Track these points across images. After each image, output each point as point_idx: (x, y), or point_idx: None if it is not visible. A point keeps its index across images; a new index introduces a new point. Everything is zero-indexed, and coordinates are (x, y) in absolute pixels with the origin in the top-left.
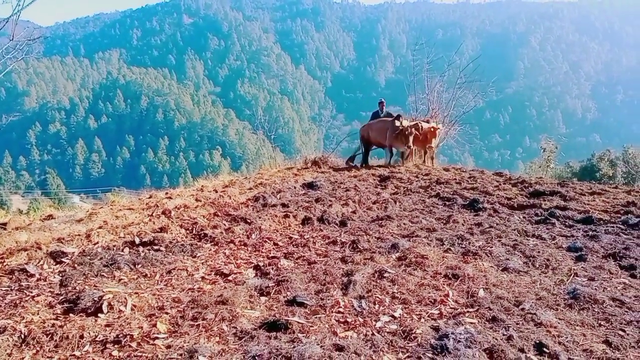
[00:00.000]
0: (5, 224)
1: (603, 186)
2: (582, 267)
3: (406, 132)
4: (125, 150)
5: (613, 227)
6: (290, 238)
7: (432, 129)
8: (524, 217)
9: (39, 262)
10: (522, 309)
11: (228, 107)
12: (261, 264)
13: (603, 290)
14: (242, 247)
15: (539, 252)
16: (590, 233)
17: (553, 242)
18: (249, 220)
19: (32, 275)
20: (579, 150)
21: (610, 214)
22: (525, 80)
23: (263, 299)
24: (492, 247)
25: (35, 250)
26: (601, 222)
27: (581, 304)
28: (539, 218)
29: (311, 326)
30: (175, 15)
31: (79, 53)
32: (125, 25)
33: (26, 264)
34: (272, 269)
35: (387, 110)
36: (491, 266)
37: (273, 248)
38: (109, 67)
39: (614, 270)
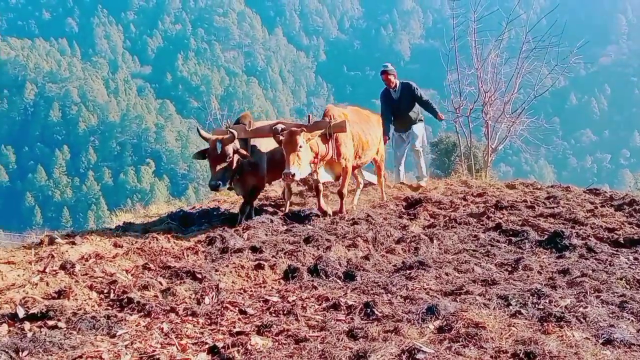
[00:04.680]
0: None
1: None
2: None
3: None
4: (1, 170)
5: None
6: (266, 302)
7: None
8: (635, 259)
9: None
10: None
11: (163, 97)
12: (220, 344)
13: None
14: (190, 318)
15: None
16: None
17: None
18: (199, 275)
19: None
20: None
21: None
22: (630, 43)
23: None
24: (586, 307)
25: None
26: None
27: None
28: None
29: None
30: None
31: None
32: None
33: None
34: (238, 352)
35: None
36: (586, 338)
37: (239, 318)
38: None
39: None
